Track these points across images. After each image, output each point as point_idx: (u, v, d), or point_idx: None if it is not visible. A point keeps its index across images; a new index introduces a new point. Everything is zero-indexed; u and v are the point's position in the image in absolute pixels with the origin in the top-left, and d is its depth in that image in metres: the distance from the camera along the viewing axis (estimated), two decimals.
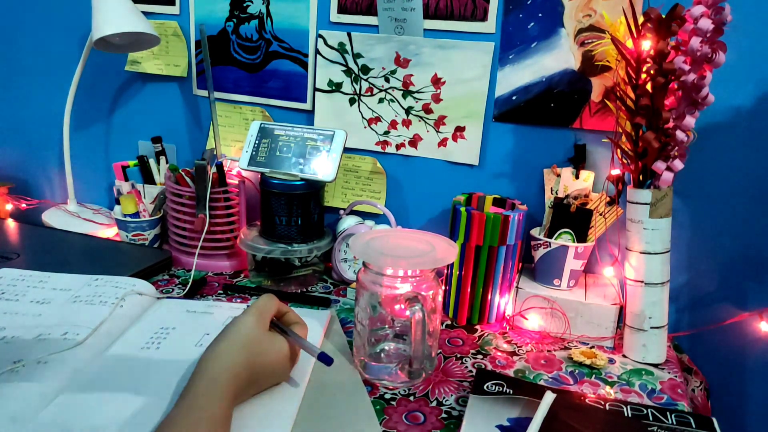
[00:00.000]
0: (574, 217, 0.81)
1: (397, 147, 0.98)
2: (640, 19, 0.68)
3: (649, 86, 0.69)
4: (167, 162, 1.10)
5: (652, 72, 0.68)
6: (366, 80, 0.97)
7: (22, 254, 0.93)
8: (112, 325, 0.69)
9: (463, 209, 0.79)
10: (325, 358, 0.60)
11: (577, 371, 0.71)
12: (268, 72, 1.03)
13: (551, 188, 0.87)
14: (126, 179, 1.04)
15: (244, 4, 1.01)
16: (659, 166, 0.69)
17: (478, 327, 0.83)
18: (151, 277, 0.90)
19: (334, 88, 0.99)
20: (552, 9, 0.84)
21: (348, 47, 0.96)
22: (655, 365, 0.73)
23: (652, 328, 0.73)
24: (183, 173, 0.96)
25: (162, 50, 1.09)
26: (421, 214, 1.01)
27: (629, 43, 0.70)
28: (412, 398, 0.63)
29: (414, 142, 0.97)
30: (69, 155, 1.12)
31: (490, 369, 0.71)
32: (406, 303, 0.62)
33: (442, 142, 0.95)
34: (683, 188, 0.82)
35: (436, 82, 0.93)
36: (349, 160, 1.01)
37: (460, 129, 0.94)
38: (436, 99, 0.94)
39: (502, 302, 0.83)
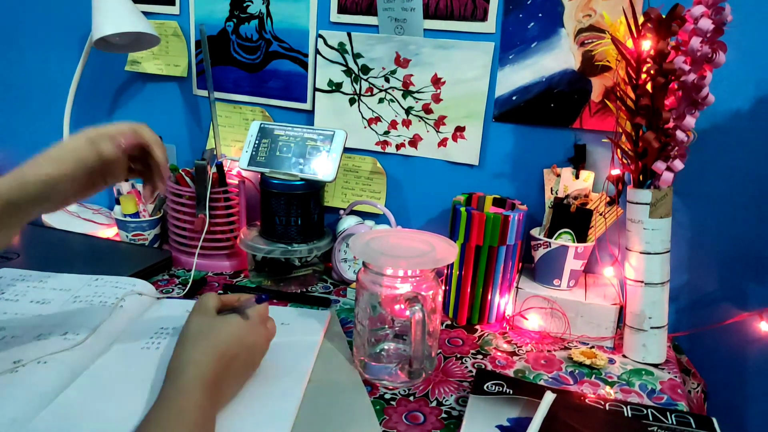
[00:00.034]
0: (574, 217, 0.81)
1: (397, 147, 0.98)
2: (640, 19, 0.68)
3: (649, 86, 0.69)
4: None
5: (652, 72, 0.68)
6: (366, 80, 0.97)
7: (22, 254, 0.93)
8: (112, 325, 0.69)
9: (463, 209, 0.79)
10: (259, 299, 0.61)
11: (577, 371, 0.71)
12: (268, 72, 1.03)
13: (551, 188, 0.87)
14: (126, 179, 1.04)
15: (244, 4, 1.01)
16: (659, 166, 0.69)
17: (478, 327, 0.83)
18: (151, 277, 0.90)
19: (334, 88, 0.99)
20: (552, 9, 0.84)
21: (348, 47, 0.96)
22: (655, 365, 0.73)
23: (652, 328, 0.73)
24: (183, 173, 0.96)
25: (162, 50, 1.09)
26: (421, 214, 1.01)
27: (629, 43, 0.70)
28: (412, 398, 0.63)
29: (414, 142, 0.97)
30: None
31: (490, 369, 0.71)
32: (406, 303, 0.62)
33: (442, 142, 0.95)
34: (683, 188, 0.82)
35: (436, 82, 0.93)
36: (349, 160, 1.01)
37: (460, 129, 0.94)
38: (436, 99, 0.94)
39: (502, 302, 0.83)
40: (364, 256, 0.65)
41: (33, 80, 1.22)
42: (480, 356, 0.74)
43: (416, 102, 0.95)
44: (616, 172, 0.79)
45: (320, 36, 0.97)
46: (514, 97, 0.89)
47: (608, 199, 0.82)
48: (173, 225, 0.97)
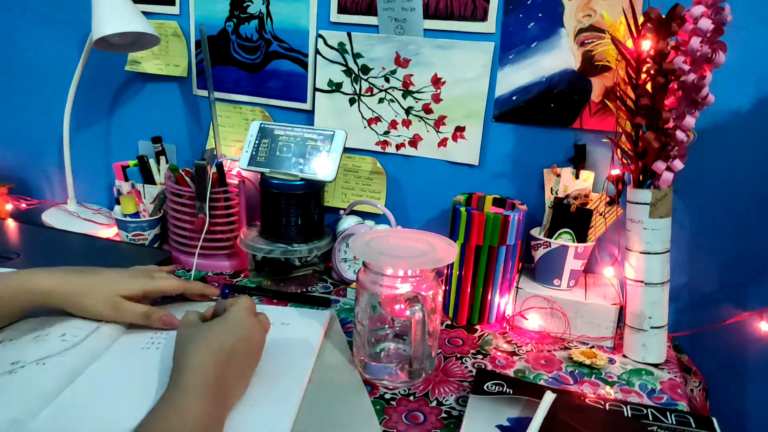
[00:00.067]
0: (574, 217, 0.81)
1: (397, 147, 0.98)
2: (640, 19, 0.68)
3: (649, 86, 0.69)
4: (167, 162, 1.10)
5: (652, 72, 0.68)
6: (366, 80, 0.97)
7: (22, 254, 0.93)
8: (111, 326, 0.69)
9: (463, 209, 0.79)
10: (224, 293, 0.62)
11: (577, 371, 0.71)
12: (268, 72, 1.03)
13: (551, 188, 0.87)
14: (126, 179, 1.04)
15: (244, 4, 1.01)
16: (659, 166, 0.69)
17: (478, 327, 0.83)
18: None
19: (334, 88, 0.99)
20: (552, 9, 0.84)
21: (348, 47, 0.96)
22: (655, 365, 0.73)
23: (652, 328, 0.73)
24: (183, 173, 0.96)
25: (162, 50, 1.09)
26: (421, 214, 1.01)
27: (629, 43, 0.70)
28: (412, 398, 0.63)
29: (414, 142, 0.97)
30: (69, 155, 1.12)
31: (490, 369, 0.71)
32: (406, 303, 0.62)
33: (442, 142, 0.95)
34: (683, 188, 0.82)
35: (436, 82, 0.93)
36: (349, 160, 1.01)
37: (460, 129, 0.94)
38: (436, 99, 0.94)
39: (502, 302, 0.83)
40: (364, 256, 0.65)
41: (33, 80, 1.22)
42: (480, 356, 0.74)
43: (416, 102, 0.95)
44: (616, 172, 0.79)
45: (320, 36, 0.97)
46: (514, 97, 0.89)
47: (608, 199, 0.82)
48: (173, 225, 0.97)
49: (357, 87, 0.98)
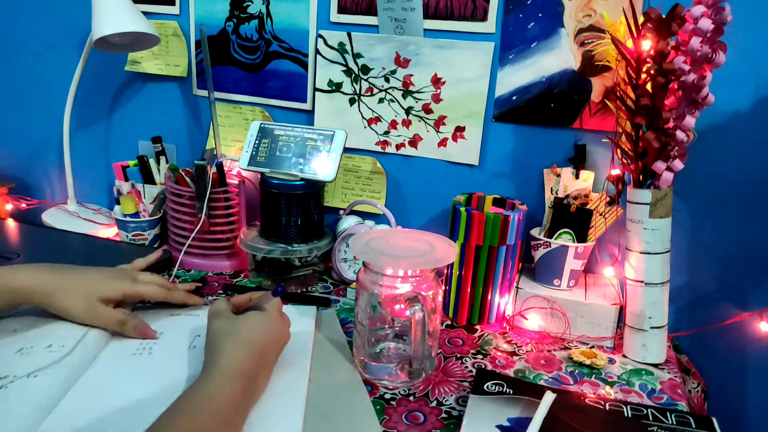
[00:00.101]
0: (574, 217, 0.81)
1: (397, 147, 0.98)
2: (640, 19, 0.68)
3: (649, 86, 0.69)
4: (167, 162, 1.10)
5: (652, 72, 0.68)
6: (366, 80, 0.97)
7: (22, 254, 0.93)
8: (97, 332, 0.68)
9: (463, 209, 0.79)
10: (275, 292, 0.64)
11: (577, 371, 0.71)
12: (268, 72, 1.03)
13: (551, 188, 0.87)
14: (126, 179, 1.04)
15: (244, 4, 1.01)
16: (659, 166, 0.69)
17: (478, 327, 0.83)
18: None
19: (334, 88, 0.99)
20: (552, 9, 0.84)
21: (348, 47, 0.96)
22: (655, 365, 0.73)
23: (652, 328, 0.73)
24: (183, 173, 0.96)
25: (162, 50, 1.09)
26: (421, 214, 1.01)
27: (629, 43, 0.70)
28: (412, 398, 0.63)
29: (414, 142, 0.97)
30: (69, 155, 1.12)
31: (490, 369, 0.71)
32: (406, 303, 0.62)
33: (442, 142, 0.95)
34: (683, 188, 0.82)
35: (436, 82, 0.93)
36: (349, 160, 1.01)
37: (460, 129, 0.94)
38: (436, 99, 0.94)
39: (502, 302, 0.83)
40: (364, 256, 0.65)
41: (33, 80, 1.22)
42: (480, 356, 0.74)
43: (416, 102, 0.95)
44: (616, 172, 0.79)
45: (320, 36, 0.97)
46: (514, 97, 0.89)
47: (608, 199, 0.82)
48: (173, 225, 0.97)
49: (357, 87, 0.98)
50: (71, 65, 1.09)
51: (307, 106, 1.02)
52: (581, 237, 0.81)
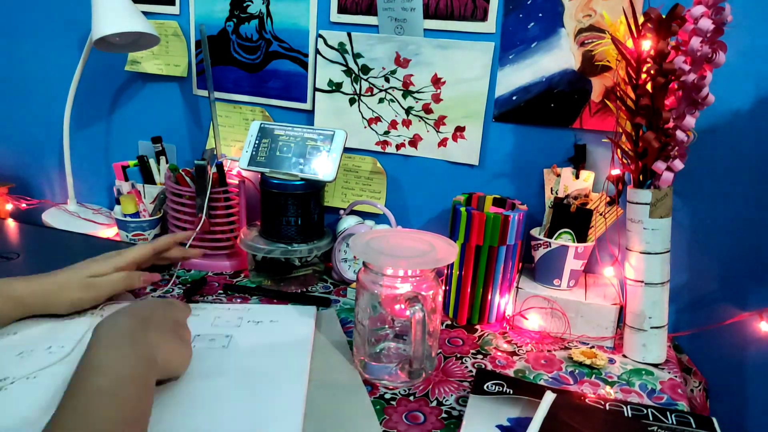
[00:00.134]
0: (574, 217, 0.81)
1: (397, 147, 0.98)
2: (640, 19, 0.68)
3: (649, 86, 0.69)
4: (167, 162, 1.10)
5: (652, 72, 0.68)
6: (366, 80, 0.97)
7: (22, 254, 0.94)
8: None
9: (463, 209, 0.79)
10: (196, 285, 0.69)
11: (577, 371, 0.71)
12: (268, 72, 1.03)
13: (551, 188, 0.87)
14: (126, 179, 1.04)
15: (244, 4, 1.01)
16: (659, 166, 0.69)
17: (478, 327, 0.83)
18: None
19: (334, 88, 0.99)
20: (552, 9, 0.84)
21: (348, 47, 0.96)
22: (655, 365, 0.73)
23: (652, 328, 0.73)
24: (183, 173, 0.96)
25: (162, 50, 1.09)
26: (421, 214, 1.01)
27: (629, 43, 0.70)
28: (412, 398, 0.63)
29: (414, 142, 0.97)
30: (69, 155, 1.12)
31: (490, 369, 0.71)
32: (406, 303, 0.62)
33: (442, 142, 0.95)
34: (683, 188, 0.82)
35: (436, 82, 0.93)
36: (349, 160, 1.01)
37: (460, 129, 0.94)
38: (436, 99, 0.94)
39: (502, 302, 0.83)
40: (364, 256, 0.65)
41: (33, 80, 1.22)
42: (480, 356, 0.74)
43: (416, 102, 0.95)
44: (616, 172, 0.79)
45: (320, 36, 0.97)
46: (514, 97, 0.89)
47: (608, 199, 0.82)
48: (173, 225, 0.97)
49: (357, 87, 0.98)
50: (71, 65, 1.09)
51: (307, 106, 1.02)
52: (581, 237, 0.81)
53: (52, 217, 1.13)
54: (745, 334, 0.85)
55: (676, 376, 0.71)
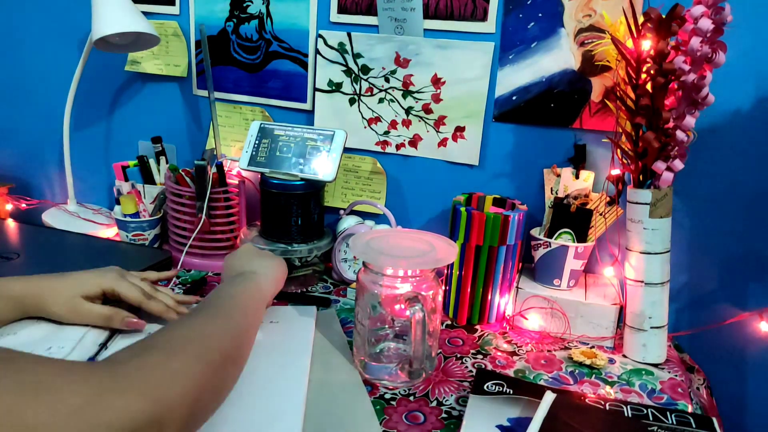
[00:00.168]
0: (574, 217, 0.81)
1: (397, 147, 0.98)
2: (640, 19, 0.68)
3: (649, 86, 0.69)
4: (167, 162, 1.10)
5: (652, 72, 0.68)
6: (366, 80, 0.97)
7: (22, 254, 0.94)
8: (96, 332, 0.68)
9: (463, 209, 0.79)
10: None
11: (577, 371, 0.71)
12: (268, 72, 1.03)
13: (551, 188, 0.87)
14: (126, 179, 1.04)
15: (244, 4, 1.01)
16: (659, 166, 0.69)
17: (478, 327, 0.83)
18: None
19: (334, 88, 0.99)
20: (552, 9, 0.84)
21: (348, 47, 0.96)
22: (655, 365, 0.73)
23: (652, 328, 0.73)
24: (183, 173, 0.96)
25: (162, 50, 1.09)
26: (421, 214, 1.01)
27: (629, 43, 0.70)
28: (412, 398, 0.63)
29: (414, 142, 0.97)
30: (69, 155, 1.12)
31: (490, 369, 0.71)
32: (406, 303, 0.62)
33: (442, 142, 0.95)
34: (683, 188, 0.82)
35: (436, 82, 0.93)
36: (349, 160, 1.01)
37: (460, 129, 0.94)
38: (436, 99, 0.94)
39: (502, 302, 0.83)
40: (364, 256, 0.65)
41: (33, 80, 1.22)
42: (480, 356, 0.74)
43: (416, 102, 0.95)
44: (616, 172, 0.79)
45: (320, 36, 0.97)
46: (514, 97, 0.89)
47: (608, 199, 0.82)
48: (173, 225, 0.97)
49: (357, 87, 0.98)
50: (71, 65, 1.09)
51: (307, 106, 1.02)
52: (581, 237, 0.81)
53: (52, 217, 1.13)
54: (745, 334, 0.85)
55: (676, 376, 0.71)
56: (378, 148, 0.99)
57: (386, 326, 0.70)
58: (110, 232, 1.09)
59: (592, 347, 0.77)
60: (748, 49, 0.76)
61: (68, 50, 1.16)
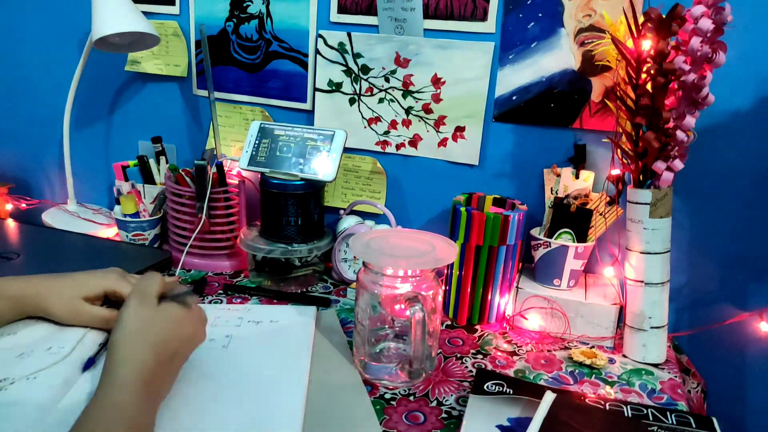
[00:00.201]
0: (574, 217, 0.81)
1: (397, 147, 0.98)
2: (641, 19, 0.68)
3: (649, 86, 0.69)
4: (167, 162, 1.10)
5: (652, 72, 0.68)
6: (366, 80, 0.97)
7: (22, 254, 0.94)
8: (96, 333, 0.67)
9: (463, 209, 0.79)
10: (198, 286, 0.62)
11: (577, 371, 0.71)
12: (268, 72, 1.03)
13: (551, 188, 0.87)
14: (126, 179, 1.04)
15: (244, 4, 1.01)
16: (659, 166, 0.69)
17: (478, 327, 0.83)
18: None
19: (334, 88, 0.99)
20: (552, 9, 0.84)
21: (348, 47, 0.96)
22: (655, 365, 0.73)
23: (652, 328, 0.73)
24: (183, 173, 0.96)
25: (162, 50, 1.09)
26: (421, 214, 1.01)
27: (629, 43, 0.70)
28: (412, 398, 0.63)
29: (414, 142, 0.97)
30: (69, 155, 1.12)
31: (490, 369, 0.71)
32: (406, 303, 0.62)
33: (442, 142, 0.95)
34: (683, 188, 0.82)
35: (436, 82, 0.93)
36: (349, 160, 1.01)
37: (460, 129, 0.94)
38: (436, 99, 0.94)
39: (502, 302, 0.83)
40: (364, 256, 0.65)
41: (33, 80, 1.22)
42: (480, 356, 0.74)
43: (416, 102, 0.95)
44: (616, 172, 0.79)
45: (320, 36, 0.97)
46: (514, 97, 0.89)
47: (608, 199, 0.82)
48: (173, 225, 0.97)
49: (357, 87, 0.98)
50: (71, 65, 1.09)
51: (307, 106, 1.02)
52: (581, 237, 0.81)
53: (52, 217, 1.12)
54: (744, 334, 0.85)
55: (676, 376, 0.71)
56: (378, 148, 0.99)
57: (386, 326, 0.70)
58: (110, 232, 1.09)
59: (592, 347, 0.77)
60: (748, 49, 0.76)
61: (68, 50, 1.16)
